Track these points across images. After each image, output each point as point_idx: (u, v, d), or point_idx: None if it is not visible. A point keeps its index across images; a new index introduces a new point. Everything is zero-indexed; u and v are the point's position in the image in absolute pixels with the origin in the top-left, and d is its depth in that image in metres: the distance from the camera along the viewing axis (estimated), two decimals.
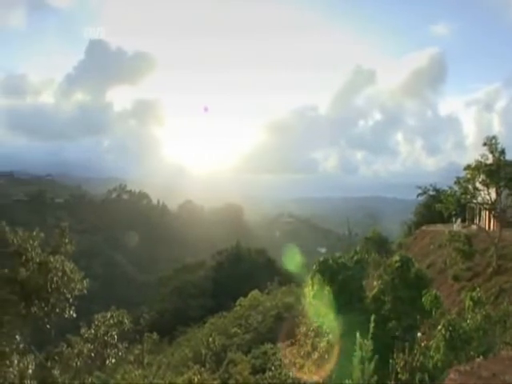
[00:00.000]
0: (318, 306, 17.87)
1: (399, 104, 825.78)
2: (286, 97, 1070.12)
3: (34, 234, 17.47)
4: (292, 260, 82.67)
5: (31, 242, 17.15)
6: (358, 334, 7.89)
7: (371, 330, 8.30)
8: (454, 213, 45.91)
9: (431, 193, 62.57)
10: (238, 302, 62.15)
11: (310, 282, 18.34)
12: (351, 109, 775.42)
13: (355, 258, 19.15)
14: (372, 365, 7.40)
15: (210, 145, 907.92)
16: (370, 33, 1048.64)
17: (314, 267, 18.44)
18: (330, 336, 16.96)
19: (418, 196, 64.90)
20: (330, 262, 18.09)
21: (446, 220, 52.38)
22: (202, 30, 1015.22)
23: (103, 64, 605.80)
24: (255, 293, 64.00)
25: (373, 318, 8.92)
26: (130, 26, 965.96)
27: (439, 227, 52.87)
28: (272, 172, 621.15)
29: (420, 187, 63.36)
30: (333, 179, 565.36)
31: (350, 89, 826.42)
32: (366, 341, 7.77)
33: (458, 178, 39.53)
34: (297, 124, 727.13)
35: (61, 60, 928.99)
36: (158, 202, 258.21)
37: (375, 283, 18.57)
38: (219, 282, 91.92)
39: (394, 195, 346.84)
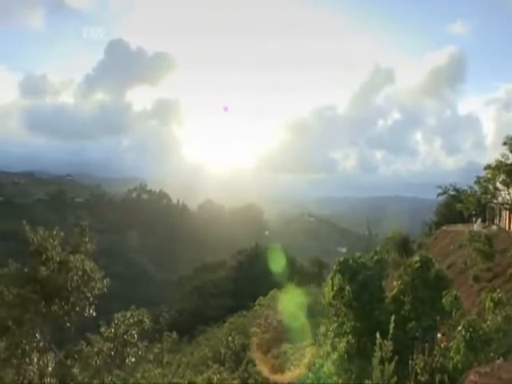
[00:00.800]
0: (337, 306, 17.81)
1: (418, 103, 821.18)
2: (305, 96, 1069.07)
3: (55, 233, 17.56)
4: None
5: (51, 240, 17.23)
6: (377, 335, 7.84)
7: (391, 331, 8.24)
8: (474, 213, 45.70)
9: (451, 192, 62.23)
10: (257, 302, 62.13)
11: (329, 281, 18.25)
12: (370, 108, 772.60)
13: (375, 257, 19.02)
14: (392, 365, 7.35)
15: (229, 144, 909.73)
16: (387, 32, 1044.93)
17: (334, 267, 18.34)
18: (350, 336, 16.89)
19: (438, 196, 64.64)
20: (350, 261, 17.97)
21: (467, 220, 52.14)
22: (222, 29, 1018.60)
23: (123, 64, 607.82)
24: (274, 292, 63.96)
25: (393, 318, 8.85)
26: (149, 27, 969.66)
27: (459, 227, 52.54)
28: (291, 172, 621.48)
29: (440, 187, 63.10)
30: (352, 179, 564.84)
31: (369, 88, 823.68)
32: (385, 341, 7.72)
33: (478, 177, 39.31)
34: (316, 124, 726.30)
35: (80, 60, 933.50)
36: (178, 201, 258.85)
37: (395, 283, 18.43)
38: (239, 282, 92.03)
39: (414, 195, 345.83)
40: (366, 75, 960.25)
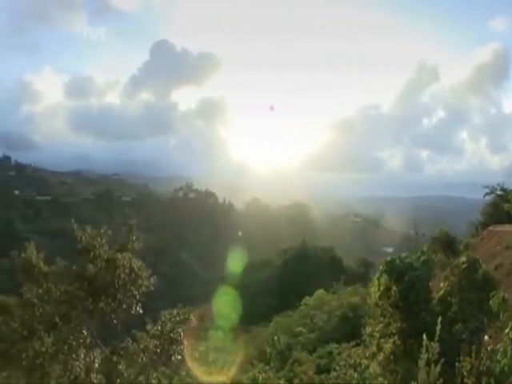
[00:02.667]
0: (383, 307, 17.69)
1: (463, 101, 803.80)
2: (349, 95, 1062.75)
3: (102, 231, 17.75)
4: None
5: (99, 239, 17.42)
6: (424, 336, 7.76)
7: (438, 332, 8.15)
8: None
9: (499, 192, 61.15)
10: (303, 301, 62.03)
11: (376, 282, 18.14)
12: (415, 106, 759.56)
13: (422, 258, 18.83)
14: (438, 368, 7.27)
15: (274, 143, 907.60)
16: (430, 29, 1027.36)
17: (381, 267, 18.21)
18: (396, 337, 16.77)
19: (485, 196, 63.62)
20: (397, 261, 17.83)
21: None
22: (267, 29, 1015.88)
23: (168, 64, 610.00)
24: (321, 292, 63.79)
25: (439, 319, 8.76)
26: (194, 27, 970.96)
27: (507, 228, 51.58)
28: (336, 171, 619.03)
29: (487, 186, 62.04)
30: (398, 178, 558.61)
31: (414, 86, 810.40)
32: (432, 343, 7.65)
33: None
34: (361, 122, 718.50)
35: (125, 61, 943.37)
36: (224, 200, 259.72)
37: (442, 284, 18.23)
38: (285, 281, 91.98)
39: (460, 194, 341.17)
40: (411, 73, 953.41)
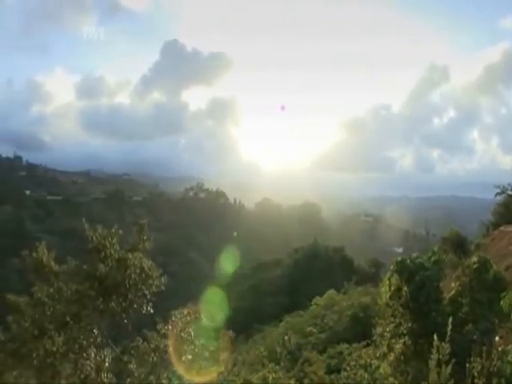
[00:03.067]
0: (394, 307, 17.66)
1: (473, 101, 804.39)
2: (359, 95, 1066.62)
3: (113, 231, 17.77)
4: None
5: (110, 238, 17.45)
6: (435, 337, 7.75)
7: (448, 333, 8.13)
8: None
9: (510, 192, 60.87)
10: (313, 301, 62.00)
11: (386, 282, 18.10)
12: (425, 106, 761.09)
13: (433, 258, 18.77)
14: (449, 368, 7.26)
15: (285, 143, 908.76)
16: (440, 29, 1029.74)
17: (392, 267, 18.18)
18: (406, 338, 16.74)
19: (496, 195, 63.31)
20: (408, 262, 17.79)
21: None
22: (277, 29, 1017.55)
23: (178, 64, 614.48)
24: (331, 292, 63.77)
25: (450, 320, 8.74)
26: (205, 27, 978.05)
27: None
28: (347, 170, 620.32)
29: (498, 186, 61.77)
30: (409, 178, 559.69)
31: (424, 86, 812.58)
32: (443, 343, 7.63)
33: None
34: (372, 122, 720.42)
35: (136, 62, 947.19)
36: (235, 200, 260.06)
37: (453, 284, 18.18)
38: (295, 280, 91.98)
39: (471, 194, 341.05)
40: (421, 73, 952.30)
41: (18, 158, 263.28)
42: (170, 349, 17.77)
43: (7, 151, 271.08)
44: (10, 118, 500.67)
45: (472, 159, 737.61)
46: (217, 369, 19.75)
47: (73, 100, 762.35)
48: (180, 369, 17.82)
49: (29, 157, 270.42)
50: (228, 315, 75.51)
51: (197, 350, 18.78)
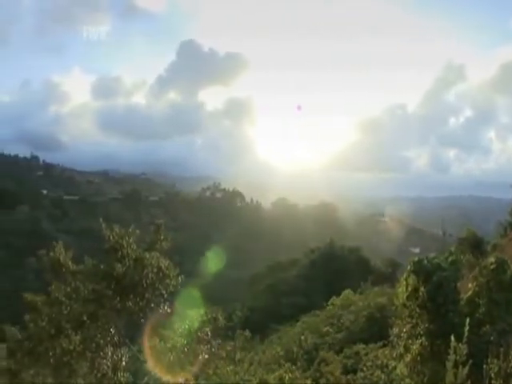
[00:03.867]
0: (411, 307, 17.61)
1: (489, 100, 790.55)
2: (375, 95, 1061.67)
3: (130, 230, 17.85)
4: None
5: (127, 238, 17.52)
6: (452, 337, 7.73)
7: (465, 334, 8.10)
8: None
9: None
10: (330, 301, 61.87)
11: (403, 282, 18.05)
12: (441, 105, 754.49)
13: (450, 258, 18.69)
14: (466, 369, 7.23)
15: (300, 143, 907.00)
16: (456, 28, 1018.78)
17: (408, 267, 18.12)
18: (423, 338, 16.68)
19: None
20: (425, 262, 17.72)
21: None
22: (294, 29, 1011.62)
23: (194, 65, 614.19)
24: (348, 292, 63.59)
25: (467, 321, 8.69)
26: (221, 27, 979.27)
27: None
28: (363, 170, 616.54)
29: None
30: (425, 178, 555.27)
31: (440, 85, 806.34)
32: (460, 344, 7.61)
33: None
34: (387, 122, 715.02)
35: (152, 62, 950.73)
36: (252, 200, 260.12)
37: (470, 285, 18.10)
38: (312, 280, 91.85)
39: (488, 194, 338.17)
40: (437, 72, 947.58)
41: (35, 158, 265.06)
42: (187, 348, 17.83)
43: (24, 151, 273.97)
44: (27, 119, 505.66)
45: (488, 159, 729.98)
46: (233, 368, 19.80)
47: (89, 100, 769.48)
48: (196, 368, 17.89)
49: (46, 157, 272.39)
50: (245, 315, 75.90)
51: (213, 350, 18.82)
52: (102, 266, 17.56)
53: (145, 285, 17.29)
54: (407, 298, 17.54)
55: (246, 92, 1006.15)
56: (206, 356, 18.43)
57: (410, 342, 17.11)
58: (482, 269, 18.21)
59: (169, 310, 17.85)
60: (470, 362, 7.33)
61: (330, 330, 48.82)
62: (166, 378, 16.82)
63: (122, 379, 16.55)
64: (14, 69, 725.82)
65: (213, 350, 18.70)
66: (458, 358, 7.34)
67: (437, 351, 15.81)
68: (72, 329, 16.63)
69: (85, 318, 16.60)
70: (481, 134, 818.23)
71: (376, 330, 39.76)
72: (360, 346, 37.84)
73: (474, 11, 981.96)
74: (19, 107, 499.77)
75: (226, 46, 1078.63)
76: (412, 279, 17.42)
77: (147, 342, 17.52)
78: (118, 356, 16.74)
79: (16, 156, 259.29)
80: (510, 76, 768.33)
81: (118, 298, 17.12)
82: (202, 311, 19.42)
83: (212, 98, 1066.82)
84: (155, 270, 17.55)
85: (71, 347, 16.30)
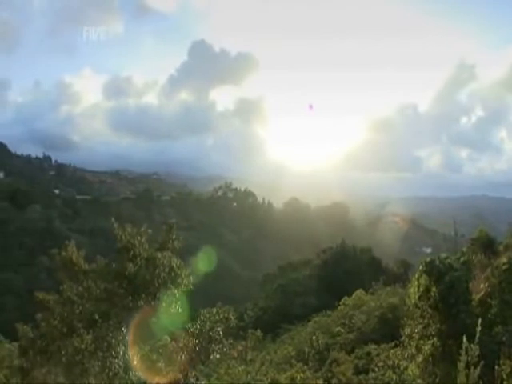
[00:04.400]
0: (423, 308, 17.55)
1: (501, 99, 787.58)
2: (388, 95, 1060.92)
3: (142, 230, 17.89)
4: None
5: (139, 238, 17.57)
6: (464, 338, 7.69)
7: (477, 334, 8.06)
8: None
9: None
10: (342, 302, 61.71)
11: (415, 282, 17.98)
12: (453, 105, 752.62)
13: (462, 259, 18.62)
14: (478, 370, 7.19)
15: (312, 143, 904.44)
16: (468, 28, 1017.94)
17: (420, 267, 18.05)
18: (435, 339, 16.62)
19: None
20: (437, 262, 17.65)
21: None
22: (304, 29, 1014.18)
23: (206, 65, 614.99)
24: (360, 292, 63.38)
25: (479, 321, 8.65)
26: (232, 28, 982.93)
27: None
28: (375, 170, 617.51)
29: None
30: (437, 178, 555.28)
31: (451, 85, 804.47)
32: (471, 345, 7.57)
33: None
34: (400, 122, 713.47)
35: (164, 62, 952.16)
36: (263, 199, 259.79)
37: (482, 286, 18.02)
38: (323, 281, 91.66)
39: (500, 194, 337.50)
40: (448, 72, 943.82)
41: (48, 158, 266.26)
42: (199, 348, 17.84)
43: (37, 151, 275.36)
44: (39, 119, 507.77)
45: (501, 159, 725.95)
46: (244, 368, 19.83)
47: (101, 100, 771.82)
48: (208, 368, 17.91)
49: (58, 157, 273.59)
50: (256, 314, 75.90)
51: (225, 349, 18.83)
52: (114, 266, 17.63)
53: (156, 284, 17.33)
54: (419, 298, 17.49)
55: (257, 92, 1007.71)
56: (218, 356, 18.45)
57: (421, 342, 17.06)
58: (494, 269, 18.16)
59: (180, 310, 17.88)
60: (482, 362, 7.29)
61: (342, 330, 48.70)
62: (177, 377, 16.85)
63: (133, 378, 16.58)
64: (27, 69, 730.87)
65: (224, 349, 18.72)
66: (469, 358, 7.30)
67: (448, 352, 15.76)
68: (84, 328, 16.68)
69: (97, 317, 16.65)
70: (492, 134, 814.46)
71: (388, 330, 39.62)
72: (371, 347, 37.74)
73: (486, 11, 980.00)
74: (31, 107, 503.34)
75: (237, 46, 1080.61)
76: (424, 279, 17.36)
77: (158, 342, 17.57)
78: (129, 355, 16.77)
79: (28, 156, 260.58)
80: None
81: (130, 298, 17.17)
82: (213, 311, 19.44)
83: (223, 97, 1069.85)
84: (167, 270, 17.58)
85: (83, 346, 16.36)
